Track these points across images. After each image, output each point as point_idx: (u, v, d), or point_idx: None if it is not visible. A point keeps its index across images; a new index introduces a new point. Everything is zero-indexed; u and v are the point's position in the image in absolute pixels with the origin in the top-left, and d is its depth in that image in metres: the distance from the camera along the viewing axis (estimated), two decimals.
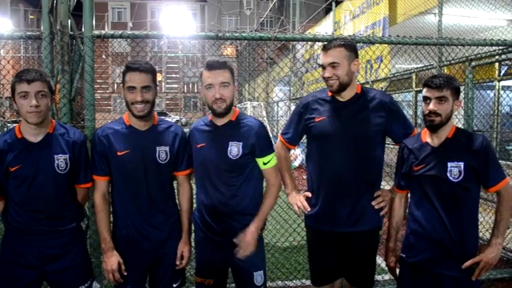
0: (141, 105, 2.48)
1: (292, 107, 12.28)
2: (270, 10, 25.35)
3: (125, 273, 2.56)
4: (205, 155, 2.61)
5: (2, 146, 2.41)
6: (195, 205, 2.78)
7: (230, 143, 2.58)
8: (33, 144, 2.44)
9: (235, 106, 2.72)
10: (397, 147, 2.77)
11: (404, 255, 2.63)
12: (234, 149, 2.57)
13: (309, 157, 2.84)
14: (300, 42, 10.63)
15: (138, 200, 2.57)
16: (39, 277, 2.51)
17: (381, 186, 2.83)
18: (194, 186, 2.81)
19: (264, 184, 2.76)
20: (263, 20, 29.11)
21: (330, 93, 2.74)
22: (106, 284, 3.57)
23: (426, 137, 2.56)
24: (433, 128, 2.48)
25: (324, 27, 12.37)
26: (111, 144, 2.56)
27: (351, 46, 2.66)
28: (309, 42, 8.22)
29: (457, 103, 2.48)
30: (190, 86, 38.69)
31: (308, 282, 4.20)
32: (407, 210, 2.76)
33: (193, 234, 2.81)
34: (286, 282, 4.28)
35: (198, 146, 2.65)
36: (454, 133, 2.51)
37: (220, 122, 2.64)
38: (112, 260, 2.54)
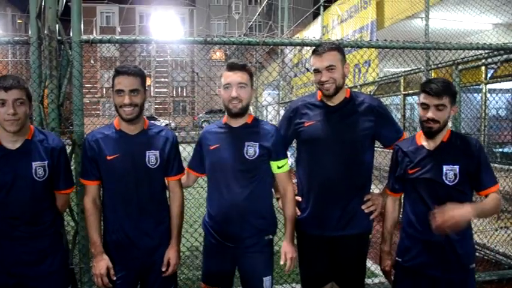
0: (129, 108, 2.48)
1: (281, 111, 12.30)
2: (258, 14, 25.40)
3: (114, 278, 2.54)
4: (220, 155, 2.63)
5: None
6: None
7: (246, 143, 2.61)
8: (11, 151, 2.41)
9: (224, 110, 2.74)
10: (386, 150, 2.79)
11: (400, 260, 2.63)
12: (251, 150, 2.60)
13: (299, 161, 2.85)
14: (288, 47, 10.67)
15: (128, 205, 2.55)
16: (17, 284, 2.47)
17: (370, 190, 2.84)
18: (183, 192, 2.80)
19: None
20: (252, 25, 29.17)
21: (319, 98, 2.76)
22: None
23: (421, 140, 2.56)
24: (431, 134, 2.48)
25: (312, 32, 12.41)
26: (100, 148, 2.55)
27: (341, 49, 2.71)
28: (297, 47, 8.26)
29: (453, 108, 2.49)
30: (179, 90, 38.65)
31: (298, 286, 4.20)
32: (400, 214, 2.77)
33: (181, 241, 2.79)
34: (276, 286, 4.27)
35: (212, 147, 2.66)
36: (449, 137, 2.52)
37: (235, 123, 2.67)
38: (101, 264, 2.52)
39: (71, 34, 3.24)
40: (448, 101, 2.43)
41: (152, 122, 2.76)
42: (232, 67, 2.60)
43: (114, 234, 2.58)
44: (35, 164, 2.43)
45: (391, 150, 2.82)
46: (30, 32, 3.21)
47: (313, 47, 2.80)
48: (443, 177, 2.43)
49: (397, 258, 2.66)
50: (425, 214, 2.46)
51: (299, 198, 2.81)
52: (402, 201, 2.74)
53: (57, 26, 3.20)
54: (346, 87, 2.78)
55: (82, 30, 3.28)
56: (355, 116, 2.69)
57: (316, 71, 2.66)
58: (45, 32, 3.15)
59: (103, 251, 2.56)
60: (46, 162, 2.47)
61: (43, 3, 3.17)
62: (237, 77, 2.58)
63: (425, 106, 2.45)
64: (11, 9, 36.05)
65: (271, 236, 2.72)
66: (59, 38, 3.21)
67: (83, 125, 3.30)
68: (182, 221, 2.74)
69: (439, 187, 2.45)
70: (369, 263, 4.52)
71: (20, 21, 37.87)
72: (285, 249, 2.66)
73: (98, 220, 2.61)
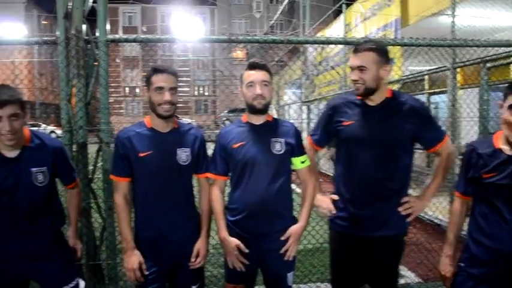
0: (168, 105, 2.55)
1: (304, 110, 12.25)
2: (280, 13, 25.33)
3: (146, 273, 2.57)
4: (246, 152, 2.64)
5: None
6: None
7: (272, 139, 2.64)
8: (11, 159, 2.44)
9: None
10: (420, 152, 2.70)
11: (463, 265, 2.46)
12: (277, 145, 2.63)
13: (337, 160, 2.83)
14: (311, 45, 10.60)
15: (160, 202, 2.59)
16: (22, 277, 2.57)
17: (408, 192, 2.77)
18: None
19: None
20: (273, 23, 29.14)
21: (359, 96, 2.71)
22: (122, 286, 3.61)
23: (499, 143, 2.32)
24: None
25: (334, 30, 12.32)
26: (133, 146, 2.58)
27: (382, 51, 2.60)
28: (320, 45, 8.19)
29: None
30: (201, 89, 38.92)
31: (323, 286, 4.19)
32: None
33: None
34: (300, 285, 4.26)
35: (236, 145, 2.66)
36: None
37: (258, 120, 2.69)
38: (133, 259, 2.56)
39: (97, 34, 3.29)
40: None
41: (179, 120, 2.80)
42: (254, 66, 2.65)
43: (147, 231, 2.61)
44: (34, 170, 2.48)
45: (424, 152, 2.75)
46: (57, 32, 3.26)
47: (338, 45, 2.76)
48: None
49: (460, 263, 2.48)
50: (498, 222, 2.30)
51: (335, 197, 2.79)
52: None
53: (83, 26, 3.24)
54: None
55: (108, 30, 3.32)
56: (396, 117, 2.62)
57: (351, 69, 2.64)
58: (72, 32, 3.20)
59: (134, 246, 2.60)
60: (46, 168, 2.52)
61: (70, 4, 3.22)
62: (260, 75, 2.62)
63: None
64: (37, 11, 36.79)
65: None
66: (85, 37, 3.26)
67: (110, 123, 3.34)
68: (211, 215, 2.76)
69: None
70: None
71: (46, 22, 38.63)
72: (292, 232, 2.65)
73: (128, 215, 2.64)
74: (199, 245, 2.67)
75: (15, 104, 2.33)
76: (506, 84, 2.31)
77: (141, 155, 2.57)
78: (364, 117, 2.66)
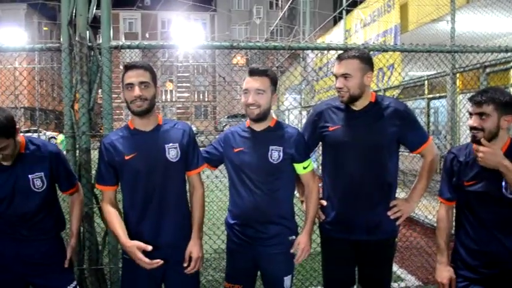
0: (140, 101, 2.44)
1: (303, 114, 12.28)
2: (280, 19, 25.40)
3: (150, 248, 2.41)
4: (244, 159, 2.64)
5: None
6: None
7: (271, 147, 2.63)
8: (8, 166, 2.48)
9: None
10: (412, 154, 2.74)
11: (453, 265, 2.54)
12: (275, 154, 2.62)
13: (324, 165, 2.85)
14: (311, 51, 10.62)
15: (149, 206, 2.50)
16: (19, 280, 2.59)
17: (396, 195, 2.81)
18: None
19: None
20: (273, 29, 29.22)
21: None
22: None
23: None
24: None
25: (334, 36, 12.36)
26: (117, 150, 2.51)
27: (366, 58, 2.64)
28: (320, 51, 8.23)
29: (507, 118, 2.29)
30: (201, 95, 38.95)
31: None
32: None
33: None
34: None
35: (236, 150, 2.68)
36: (509, 146, 2.35)
37: (258, 127, 2.69)
38: (133, 246, 2.41)
39: (101, 40, 3.32)
40: (492, 110, 2.27)
41: (166, 118, 2.73)
42: (251, 73, 2.61)
43: (135, 237, 2.50)
44: (31, 176, 2.50)
45: (416, 155, 2.79)
46: (61, 39, 3.28)
47: (338, 51, 2.79)
48: (504, 191, 2.28)
49: (451, 264, 2.55)
50: (480, 227, 2.39)
51: (324, 203, 2.80)
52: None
53: (87, 32, 3.27)
54: (371, 90, 2.77)
55: (111, 36, 3.35)
56: (381, 121, 2.66)
57: (335, 77, 2.67)
58: (76, 38, 3.23)
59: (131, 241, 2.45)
60: (43, 173, 2.53)
61: (74, 11, 3.25)
62: (255, 83, 2.59)
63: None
64: (37, 17, 36.93)
65: (294, 237, 2.72)
66: (89, 44, 3.28)
67: (113, 128, 3.36)
68: (203, 214, 2.68)
69: (498, 201, 2.32)
70: (395, 267, 4.49)
71: (46, 28, 38.78)
72: (301, 240, 2.68)
73: (118, 217, 2.54)
74: (190, 248, 2.57)
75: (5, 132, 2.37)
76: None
77: (127, 158, 2.48)
78: (349, 122, 2.69)
